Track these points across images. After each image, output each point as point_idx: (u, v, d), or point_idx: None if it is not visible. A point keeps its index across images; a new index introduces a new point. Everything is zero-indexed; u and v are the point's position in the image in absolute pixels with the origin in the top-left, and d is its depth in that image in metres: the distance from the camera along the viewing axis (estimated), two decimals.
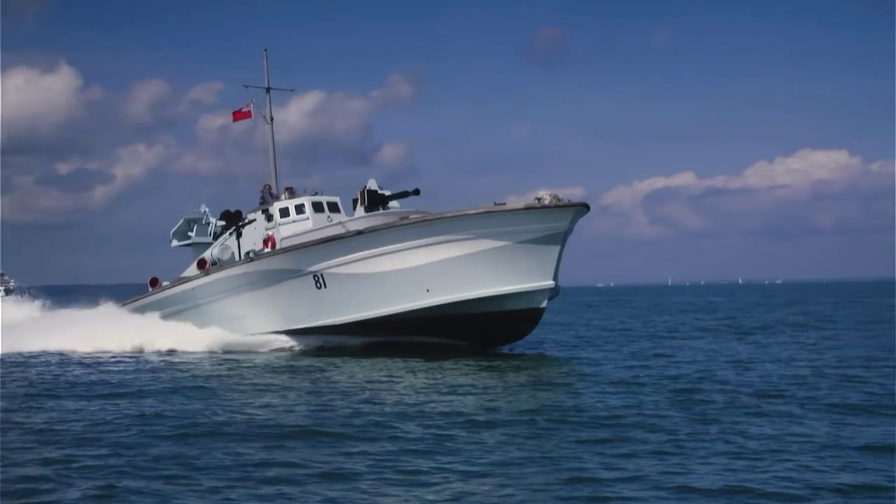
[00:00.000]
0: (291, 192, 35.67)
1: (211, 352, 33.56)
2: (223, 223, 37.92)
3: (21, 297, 52.10)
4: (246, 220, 36.27)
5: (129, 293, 41.15)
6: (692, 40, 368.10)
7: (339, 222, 33.04)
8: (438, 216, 30.49)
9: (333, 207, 35.19)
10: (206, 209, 39.44)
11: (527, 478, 13.09)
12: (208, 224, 38.85)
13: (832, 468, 13.49)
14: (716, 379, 23.73)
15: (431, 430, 16.57)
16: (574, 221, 29.60)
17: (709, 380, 23.55)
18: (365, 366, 27.91)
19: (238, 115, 38.19)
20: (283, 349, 33.74)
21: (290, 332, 33.83)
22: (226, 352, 33.44)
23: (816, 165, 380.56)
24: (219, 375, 26.41)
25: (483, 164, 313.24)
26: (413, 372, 26.03)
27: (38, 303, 46.27)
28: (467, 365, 27.36)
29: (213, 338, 34.14)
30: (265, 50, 39.26)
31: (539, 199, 28.95)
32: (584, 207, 29.71)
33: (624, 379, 23.85)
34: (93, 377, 26.29)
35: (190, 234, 39.01)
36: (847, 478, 12.90)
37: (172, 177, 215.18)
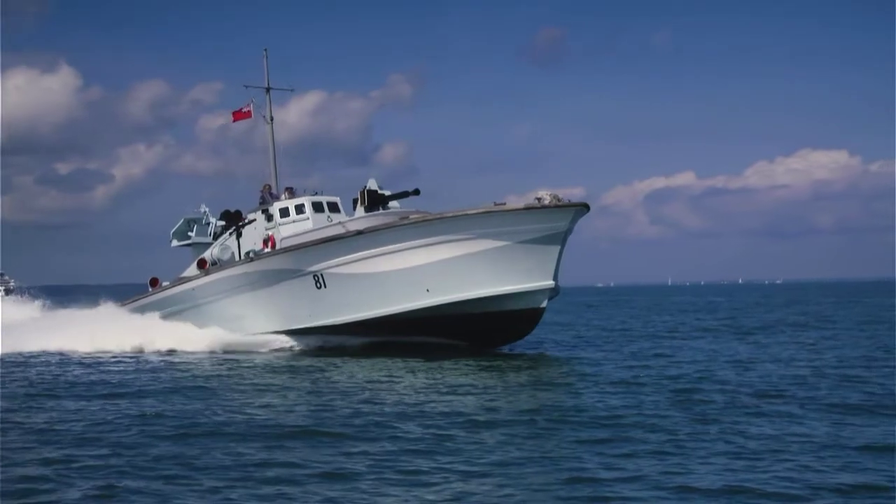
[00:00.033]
0: (291, 192, 35.66)
1: (211, 352, 33.56)
2: (223, 223, 37.90)
3: (21, 297, 52.11)
4: (246, 220, 36.25)
5: (129, 293, 41.14)
6: (692, 40, 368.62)
7: (340, 222, 33.02)
8: (438, 216, 30.48)
9: (333, 207, 35.17)
10: (206, 209, 39.43)
11: (526, 478, 13.10)
12: (208, 224, 38.82)
13: (832, 468, 13.50)
14: (716, 379, 23.74)
15: (431, 430, 16.58)
16: (574, 221, 29.60)
17: (709, 380, 23.55)
18: (365, 366, 27.91)
19: (238, 115, 38.18)
20: (283, 349, 33.73)
21: (290, 332, 33.82)
22: (226, 352, 33.44)
23: (816, 165, 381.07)
24: (219, 375, 26.42)
25: (483, 164, 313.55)
26: (413, 372, 26.03)
27: (37, 303, 46.31)
28: (467, 365, 27.36)
29: (214, 338, 34.14)
30: (265, 50, 39.32)
31: (539, 199, 28.94)
32: (584, 207, 29.71)
33: (624, 379, 23.86)
34: (93, 377, 26.30)
35: (190, 234, 38.98)
36: (847, 478, 12.91)
37: (172, 177, 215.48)
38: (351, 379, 24.73)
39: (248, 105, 37.84)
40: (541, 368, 27.59)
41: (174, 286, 37.40)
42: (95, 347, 34.11)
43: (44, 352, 33.89)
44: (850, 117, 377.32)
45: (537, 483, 12.81)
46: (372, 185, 34.42)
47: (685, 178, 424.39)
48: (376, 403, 19.95)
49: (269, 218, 34.93)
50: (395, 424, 17.21)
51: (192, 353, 33.41)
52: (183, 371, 27.79)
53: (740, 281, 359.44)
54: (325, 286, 32.19)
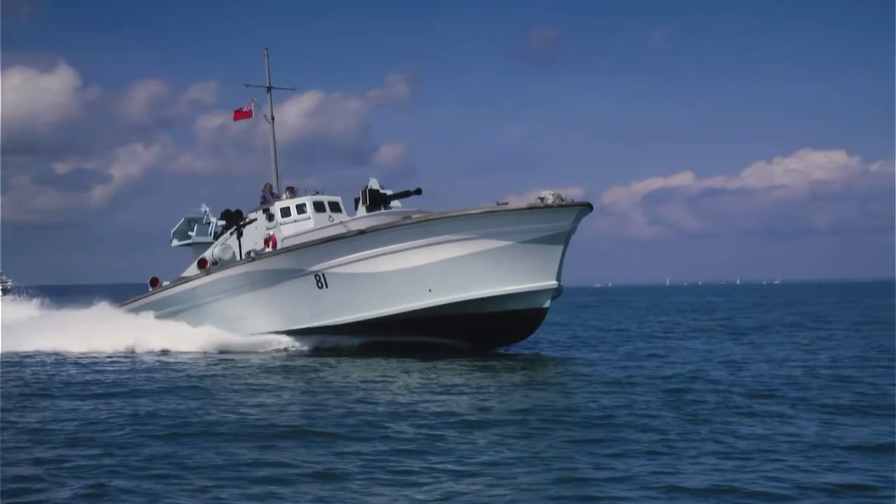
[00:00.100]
0: (293, 192, 35.64)
1: (209, 352, 33.53)
2: (224, 223, 37.85)
3: (18, 296, 52.10)
4: (247, 220, 36.23)
5: (128, 293, 41.13)
6: (691, 40, 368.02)
7: (341, 222, 32.95)
8: (441, 216, 30.41)
9: (335, 207, 35.14)
10: (207, 209, 39.39)
11: (517, 478, 13.15)
12: (209, 224, 38.78)
13: (820, 468, 13.56)
14: (709, 379, 23.81)
15: (423, 430, 16.63)
16: (577, 221, 29.57)
17: (702, 380, 23.62)
18: (360, 366, 27.97)
19: (239, 115, 38.21)
20: (282, 349, 33.73)
21: (291, 333, 33.80)
22: (225, 352, 33.42)
23: (815, 166, 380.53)
24: (213, 375, 26.45)
25: (481, 164, 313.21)
26: (408, 372, 26.08)
27: (35, 301, 46.30)
28: (462, 365, 27.41)
29: (213, 338, 34.12)
30: (266, 49, 39.30)
31: (542, 199, 28.88)
32: (587, 207, 29.69)
33: (618, 379, 23.92)
34: (87, 377, 26.33)
35: (190, 233, 38.94)
36: (834, 477, 12.97)
37: (170, 176, 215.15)
38: (345, 379, 24.78)
39: (250, 104, 37.91)
40: (535, 368, 27.65)
41: (174, 286, 37.39)
42: (90, 347, 34.10)
43: (38, 352, 33.91)
44: (849, 117, 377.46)
45: (527, 483, 12.87)
46: (373, 184, 34.36)
47: (683, 179, 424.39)
48: (369, 403, 20.01)
49: (271, 217, 34.93)
50: (388, 424, 17.26)
51: (189, 352, 33.41)
52: (177, 371, 27.84)
53: (738, 281, 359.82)
54: (326, 286, 32.19)
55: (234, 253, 35.87)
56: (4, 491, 12.67)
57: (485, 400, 20.33)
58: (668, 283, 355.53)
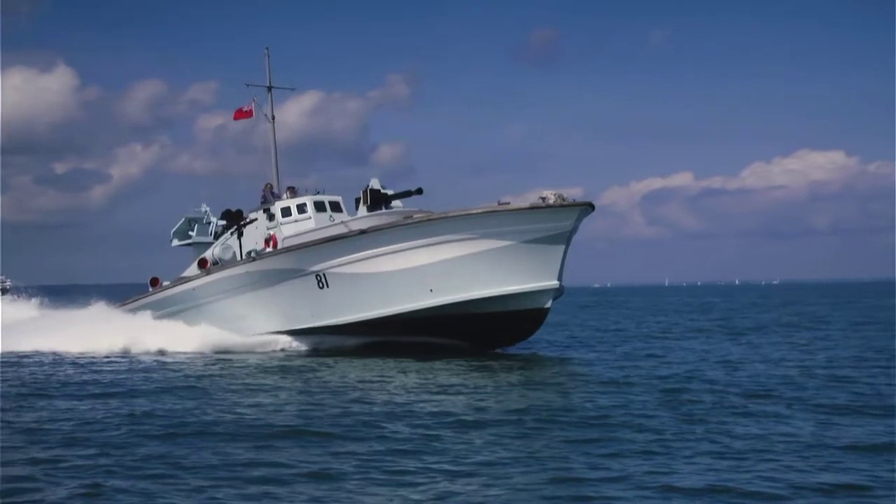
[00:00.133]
0: (293, 192, 35.62)
1: (210, 351, 33.51)
2: (224, 223, 37.79)
3: (17, 296, 52.02)
4: (247, 220, 36.22)
5: (127, 293, 41.12)
6: (691, 40, 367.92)
7: (342, 222, 32.91)
8: (442, 216, 30.39)
9: (336, 207, 35.10)
10: (207, 209, 39.33)
11: (512, 478, 13.17)
12: (209, 223, 38.70)
13: (815, 468, 13.58)
14: (705, 379, 23.84)
15: (419, 430, 16.65)
16: (579, 221, 29.56)
17: (698, 380, 23.65)
18: (357, 366, 27.99)
19: (239, 114, 38.20)
20: (278, 350, 33.73)
21: (291, 333, 33.80)
22: (225, 352, 33.39)
23: (814, 166, 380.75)
24: (211, 375, 26.48)
25: (481, 164, 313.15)
26: (405, 372, 26.11)
27: (34, 301, 46.27)
28: (459, 365, 27.44)
29: (213, 338, 34.10)
30: (267, 49, 39.29)
31: (544, 199, 28.87)
32: (588, 207, 29.68)
33: (614, 379, 23.95)
34: (85, 377, 26.34)
35: (191, 233, 38.87)
36: (829, 477, 13.00)
37: (169, 176, 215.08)
38: (342, 379, 24.80)
39: (250, 104, 37.91)
40: (532, 368, 27.67)
41: (175, 286, 37.36)
42: (86, 348, 34.09)
43: (37, 352, 33.92)
44: (849, 118, 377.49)
45: (522, 483, 12.89)
46: (374, 184, 34.29)
47: (682, 179, 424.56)
48: (366, 403, 20.03)
49: (271, 217, 34.91)
50: (384, 424, 17.29)
51: (187, 353, 33.38)
52: (175, 371, 27.86)
53: (737, 282, 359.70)
54: (327, 286, 32.18)
55: (234, 253, 35.85)
56: (1, 491, 12.68)
57: (481, 400, 20.35)
58: (666, 284, 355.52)
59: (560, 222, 29.06)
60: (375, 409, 19.19)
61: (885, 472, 13.31)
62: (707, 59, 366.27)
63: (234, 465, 14.10)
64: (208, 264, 35.86)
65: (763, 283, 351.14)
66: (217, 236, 37.65)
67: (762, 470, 13.41)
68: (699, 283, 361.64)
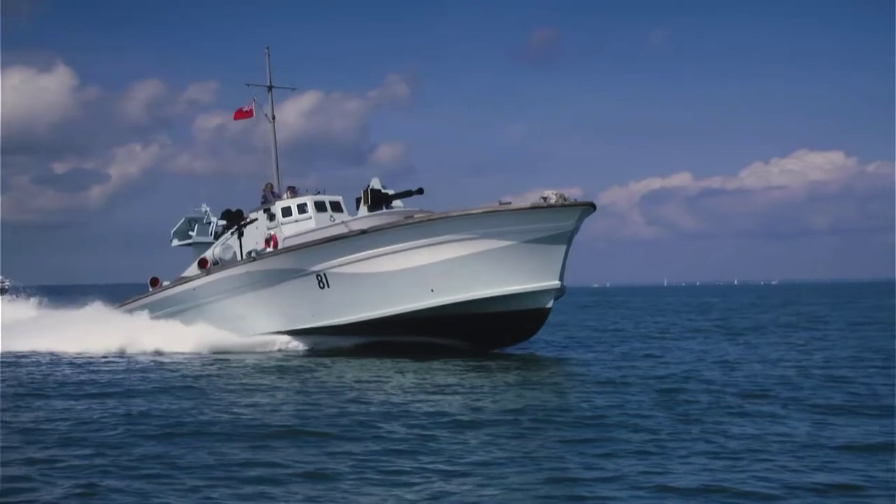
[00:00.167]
0: (294, 192, 35.59)
1: (207, 351, 33.50)
2: (224, 222, 37.76)
3: (16, 296, 52.02)
4: (248, 220, 36.21)
5: (127, 293, 41.13)
6: (691, 40, 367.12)
7: (343, 222, 32.87)
8: (443, 215, 30.36)
9: (336, 207, 35.06)
10: (208, 208, 39.29)
11: (507, 477, 13.20)
12: (209, 223, 38.67)
13: (809, 468, 13.61)
14: (702, 379, 23.87)
15: (415, 430, 16.67)
16: (580, 221, 29.55)
17: (695, 380, 23.68)
18: (354, 366, 28.01)
19: (239, 114, 38.19)
20: (279, 349, 33.71)
21: (292, 333, 33.78)
22: (224, 352, 33.37)
23: (812, 166, 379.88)
24: (208, 375, 26.49)
25: (481, 164, 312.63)
26: (402, 372, 26.13)
27: (33, 301, 46.26)
28: (456, 365, 27.45)
29: (210, 338, 34.08)
30: (267, 48, 39.27)
31: (545, 199, 28.85)
32: (590, 207, 29.67)
33: (611, 379, 23.98)
34: (82, 377, 26.35)
35: (191, 233, 38.82)
36: (823, 477, 13.03)
37: (168, 176, 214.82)
38: (339, 379, 24.82)
39: (250, 104, 37.92)
40: (529, 368, 27.70)
41: (175, 286, 37.34)
42: (83, 348, 34.08)
43: (34, 352, 33.91)
44: (848, 118, 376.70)
45: (517, 483, 12.91)
46: (375, 184, 34.21)
47: (681, 179, 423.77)
48: (363, 403, 20.05)
49: (272, 217, 34.89)
50: (380, 424, 17.31)
51: (185, 353, 33.39)
52: (172, 371, 27.87)
53: (736, 282, 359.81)
54: (328, 286, 32.17)
55: (234, 253, 35.83)
56: None
57: (477, 400, 20.37)
58: (665, 284, 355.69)
59: (561, 222, 29.06)
60: (372, 409, 19.22)
61: (879, 472, 13.35)
62: (707, 59, 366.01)
63: (230, 465, 14.12)
64: (208, 264, 35.85)
65: (762, 283, 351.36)
66: (217, 236, 37.62)
67: (757, 470, 13.44)
68: (698, 284, 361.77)
